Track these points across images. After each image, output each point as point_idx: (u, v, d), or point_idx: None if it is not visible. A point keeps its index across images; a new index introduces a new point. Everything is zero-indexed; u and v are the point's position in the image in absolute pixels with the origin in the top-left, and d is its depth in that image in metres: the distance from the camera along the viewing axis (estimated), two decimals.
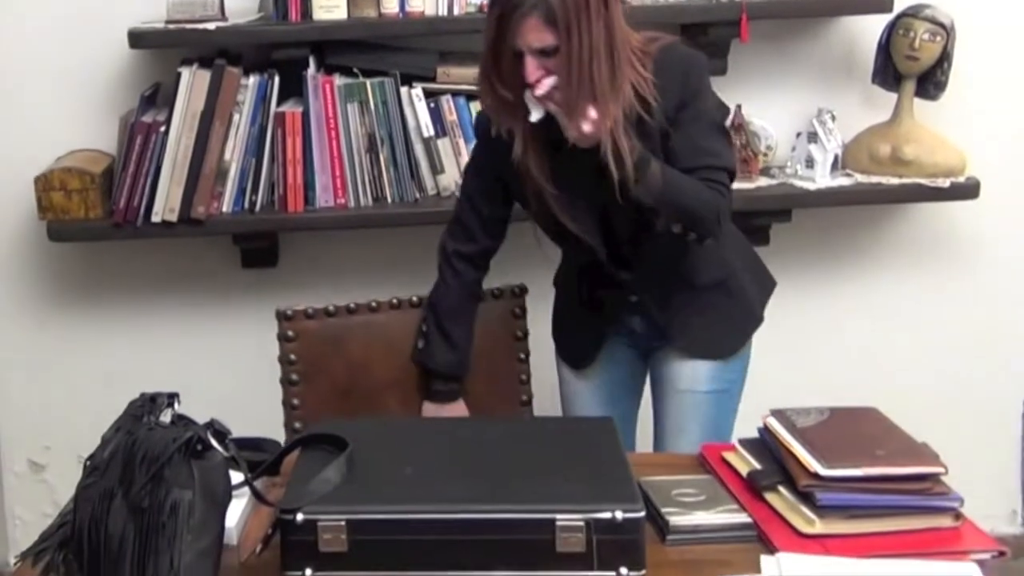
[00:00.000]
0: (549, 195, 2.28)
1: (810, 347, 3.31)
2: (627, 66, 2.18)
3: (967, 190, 3.07)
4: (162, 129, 2.84)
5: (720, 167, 2.28)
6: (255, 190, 2.93)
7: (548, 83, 2.14)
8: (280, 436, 2.39)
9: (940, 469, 1.84)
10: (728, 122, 2.84)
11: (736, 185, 2.98)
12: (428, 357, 2.52)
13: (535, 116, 2.18)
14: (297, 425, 2.49)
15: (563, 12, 2.08)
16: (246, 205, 2.94)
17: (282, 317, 2.51)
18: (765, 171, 3.12)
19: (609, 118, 2.14)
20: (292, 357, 2.51)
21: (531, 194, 2.30)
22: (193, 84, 2.83)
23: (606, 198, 2.24)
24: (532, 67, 2.13)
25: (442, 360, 2.51)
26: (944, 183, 3.04)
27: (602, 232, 2.34)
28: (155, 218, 2.87)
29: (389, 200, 2.97)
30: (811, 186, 3.04)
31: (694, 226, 2.25)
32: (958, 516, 1.82)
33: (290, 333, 2.51)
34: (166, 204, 2.86)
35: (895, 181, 3.06)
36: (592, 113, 2.13)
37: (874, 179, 3.07)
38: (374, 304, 2.57)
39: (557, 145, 2.23)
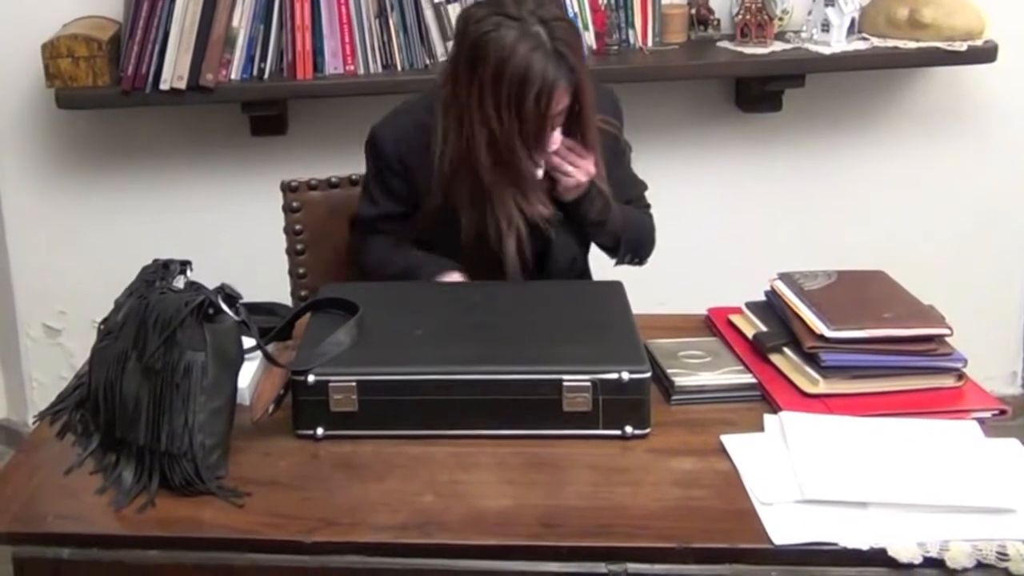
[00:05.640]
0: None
1: (820, 212, 3.30)
2: None
3: (985, 53, 3.01)
4: None
5: (644, 192, 2.42)
6: (264, 57, 2.91)
7: (558, 136, 2.15)
8: (288, 304, 2.39)
9: (945, 330, 1.85)
10: None
11: (750, 50, 2.98)
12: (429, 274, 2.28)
13: (540, 172, 2.18)
14: (303, 294, 2.52)
15: (579, 72, 2.08)
16: (255, 72, 2.92)
17: (286, 188, 2.52)
18: (780, 35, 3.07)
19: (598, 164, 2.20)
20: (297, 227, 2.52)
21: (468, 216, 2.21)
22: None
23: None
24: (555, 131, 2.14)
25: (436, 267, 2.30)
26: (961, 46, 2.99)
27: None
28: (163, 85, 2.86)
29: (399, 67, 2.95)
30: (826, 50, 2.99)
31: (640, 253, 2.37)
32: (961, 376, 1.84)
33: (295, 204, 2.52)
34: (174, 71, 2.85)
35: (912, 45, 3.00)
36: (591, 165, 2.17)
37: (890, 43, 3.02)
38: None
39: None
